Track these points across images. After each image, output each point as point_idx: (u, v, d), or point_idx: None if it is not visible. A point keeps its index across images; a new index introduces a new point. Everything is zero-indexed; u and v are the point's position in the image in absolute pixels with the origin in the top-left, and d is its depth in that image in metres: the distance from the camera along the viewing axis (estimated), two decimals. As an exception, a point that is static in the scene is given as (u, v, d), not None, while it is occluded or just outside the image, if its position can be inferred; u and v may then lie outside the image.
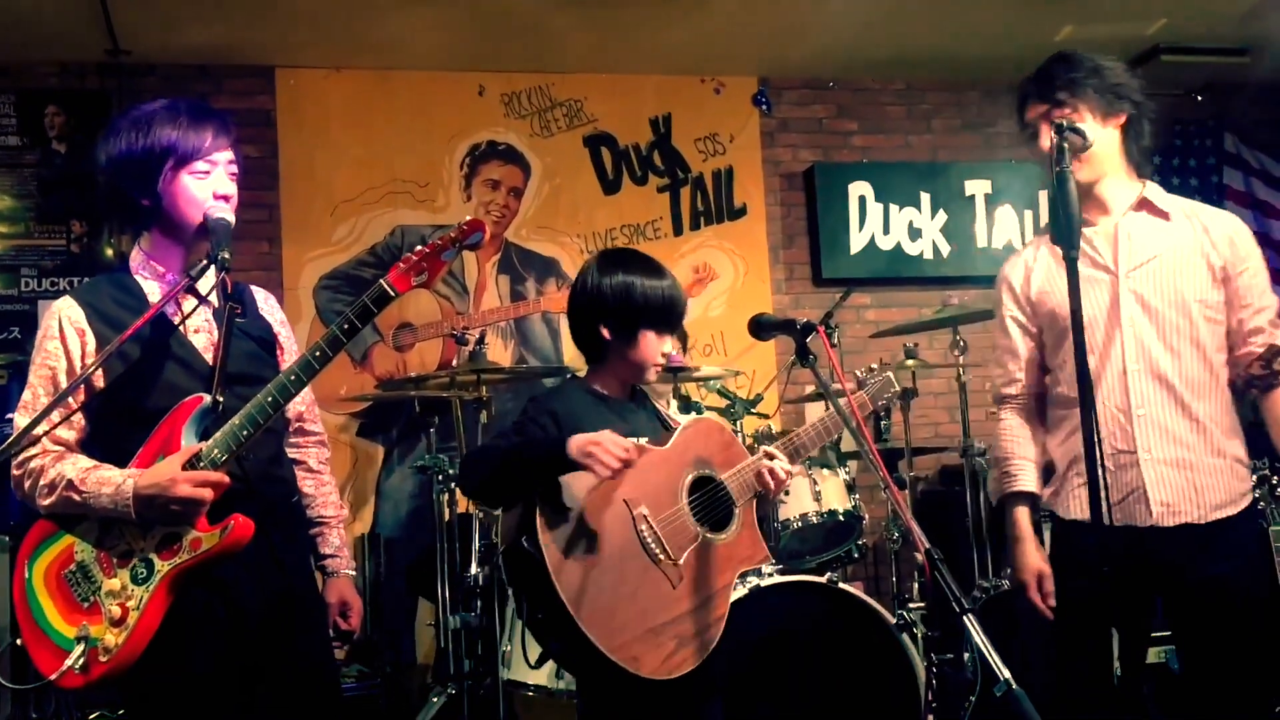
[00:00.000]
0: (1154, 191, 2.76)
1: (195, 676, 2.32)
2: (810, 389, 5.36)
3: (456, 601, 4.45)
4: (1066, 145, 2.47)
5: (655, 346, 2.70)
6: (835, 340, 4.78)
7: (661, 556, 2.55)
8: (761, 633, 3.78)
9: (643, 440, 2.60)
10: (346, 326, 2.36)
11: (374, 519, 5.65)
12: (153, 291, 2.46)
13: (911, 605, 4.31)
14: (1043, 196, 6.39)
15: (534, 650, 3.88)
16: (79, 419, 2.39)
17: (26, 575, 2.37)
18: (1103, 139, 2.68)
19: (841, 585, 3.87)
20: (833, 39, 5.84)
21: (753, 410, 4.42)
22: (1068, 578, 2.68)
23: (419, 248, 2.43)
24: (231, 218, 2.46)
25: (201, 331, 2.47)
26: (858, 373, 2.95)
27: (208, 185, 2.45)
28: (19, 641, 2.38)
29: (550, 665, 3.88)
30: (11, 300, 5.43)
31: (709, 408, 4.75)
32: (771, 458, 2.69)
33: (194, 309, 2.43)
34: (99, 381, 2.37)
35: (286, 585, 2.46)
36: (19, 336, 5.30)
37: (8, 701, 3.94)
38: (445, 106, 5.92)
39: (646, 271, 2.71)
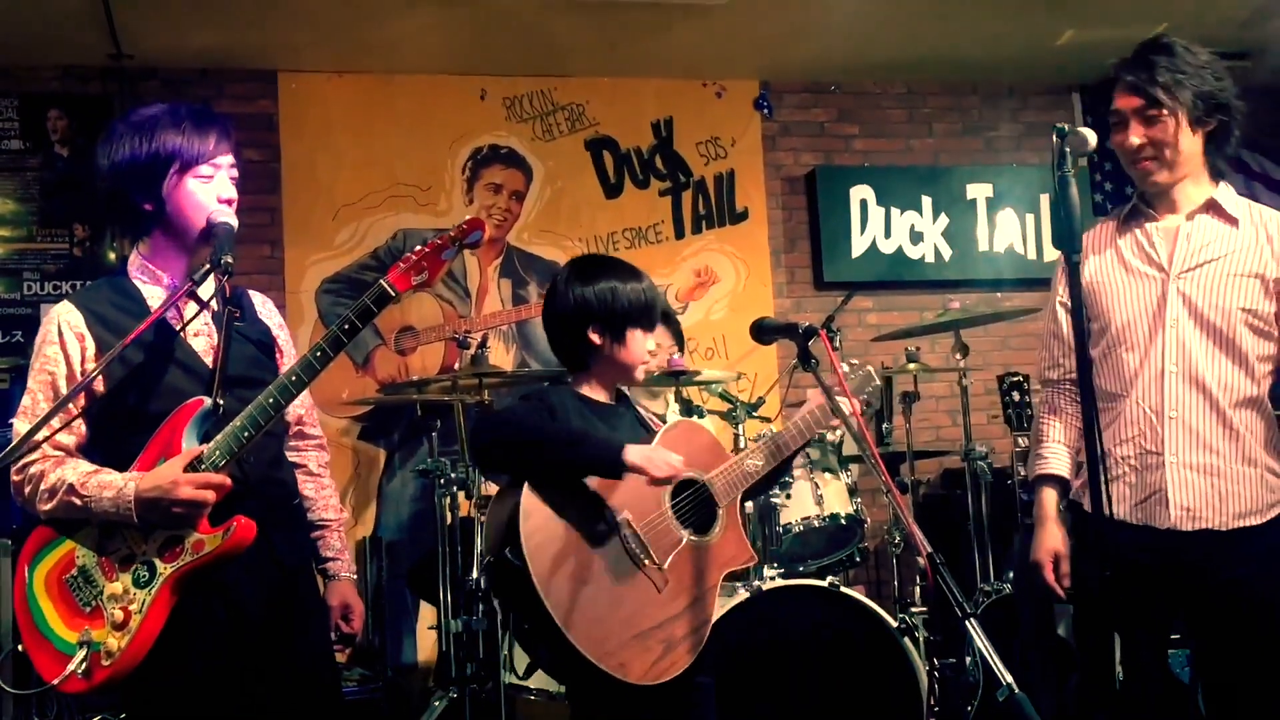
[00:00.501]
0: (1224, 194, 2.73)
1: (196, 679, 2.32)
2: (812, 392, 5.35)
3: (458, 605, 4.45)
4: (1068, 149, 2.47)
5: (642, 344, 2.74)
6: (837, 344, 4.78)
7: (646, 561, 2.55)
8: (763, 637, 3.78)
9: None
10: (347, 327, 2.36)
11: (376, 522, 5.65)
12: (152, 296, 2.46)
13: (913, 609, 4.31)
14: (1045, 200, 6.39)
15: (535, 654, 3.88)
16: (79, 424, 2.38)
17: (27, 580, 2.36)
18: (1189, 144, 2.67)
19: (843, 589, 3.87)
20: (834, 43, 5.84)
21: (754, 414, 4.42)
22: (1088, 571, 2.67)
23: (418, 247, 2.44)
24: (235, 222, 2.46)
25: (201, 335, 2.47)
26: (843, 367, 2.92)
27: (211, 190, 2.45)
28: (20, 647, 2.38)
29: (552, 669, 3.88)
30: (14, 304, 5.44)
31: (711, 411, 4.75)
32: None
33: (195, 314, 2.43)
34: (99, 386, 2.37)
35: (288, 587, 2.46)
36: (21, 340, 5.31)
37: (9, 706, 3.94)
38: (447, 110, 5.93)
39: (624, 274, 2.77)
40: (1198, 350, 2.63)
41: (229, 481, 2.28)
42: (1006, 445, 4.84)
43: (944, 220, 6.33)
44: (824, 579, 3.90)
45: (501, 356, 5.77)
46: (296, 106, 5.77)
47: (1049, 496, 2.78)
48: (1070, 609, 3.35)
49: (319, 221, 5.73)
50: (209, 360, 2.43)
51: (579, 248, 5.94)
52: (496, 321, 5.87)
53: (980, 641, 2.05)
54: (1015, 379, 4.81)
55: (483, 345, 4.72)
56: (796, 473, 4.11)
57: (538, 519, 2.48)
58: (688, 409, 4.56)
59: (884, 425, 5.63)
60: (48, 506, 2.33)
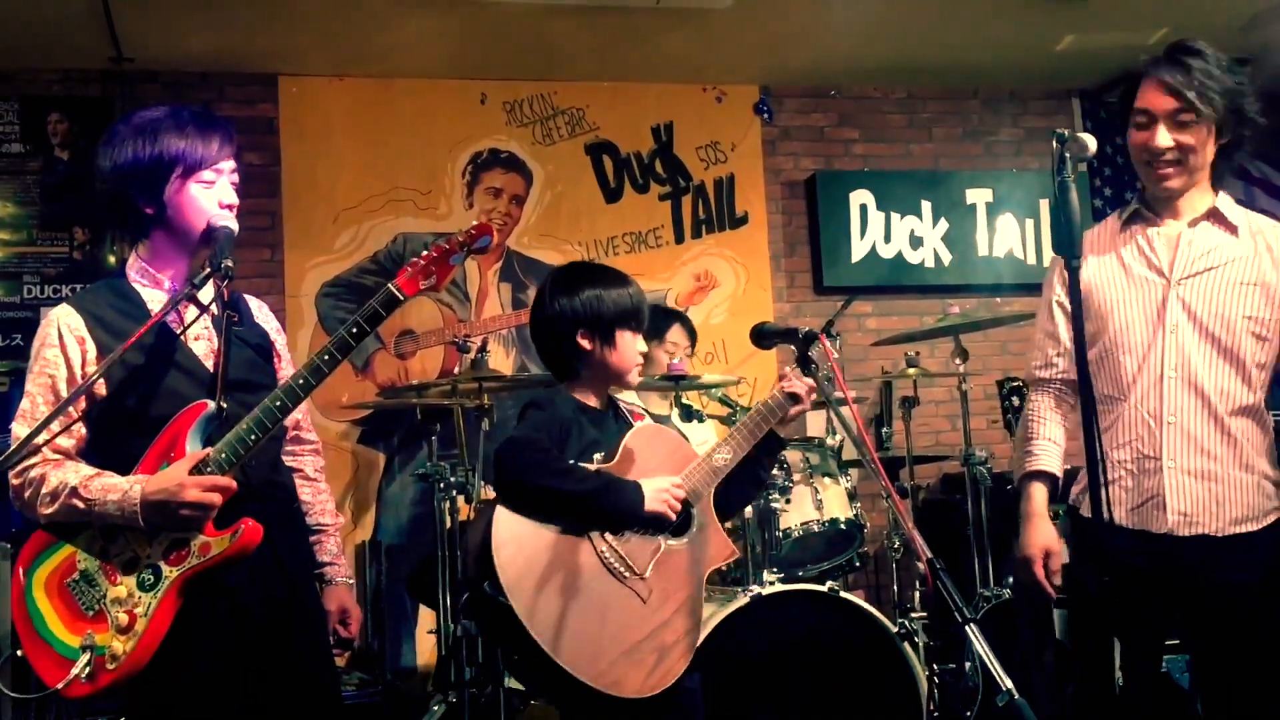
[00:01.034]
0: (1225, 203, 2.74)
1: (199, 681, 2.31)
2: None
3: (457, 609, 4.45)
4: (1068, 154, 2.47)
5: (633, 347, 2.76)
6: (837, 349, 4.78)
7: (627, 574, 2.55)
8: (763, 642, 3.78)
9: (597, 457, 2.65)
10: (355, 330, 2.36)
11: (375, 526, 5.64)
12: (151, 299, 2.46)
13: (913, 614, 4.31)
14: (1044, 205, 6.39)
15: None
16: (79, 427, 2.38)
17: (25, 585, 2.35)
18: (1209, 153, 2.67)
19: (843, 594, 3.87)
20: (834, 48, 5.85)
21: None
22: (1088, 575, 2.67)
23: (426, 251, 2.44)
24: (235, 226, 2.46)
25: (201, 339, 2.47)
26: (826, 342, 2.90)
27: (213, 195, 2.45)
28: (20, 653, 2.36)
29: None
30: (14, 307, 5.44)
31: (710, 415, 4.75)
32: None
33: (196, 318, 2.43)
34: (100, 389, 2.36)
35: (289, 590, 2.46)
36: (21, 343, 5.31)
37: (7, 711, 3.94)
38: (447, 114, 5.93)
39: (609, 280, 2.80)
40: (1197, 356, 2.63)
41: (235, 484, 2.28)
42: (1006, 450, 4.83)
43: (944, 225, 6.33)
44: (823, 584, 3.90)
45: (501, 360, 5.77)
46: (297, 110, 5.77)
47: (1040, 492, 2.77)
48: (1065, 613, 3.34)
49: (319, 225, 5.73)
50: (209, 364, 2.43)
51: (579, 252, 5.95)
52: (496, 325, 5.87)
53: (980, 646, 2.04)
54: (1015, 384, 4.81)
55: (482, 349, 4.71)
56: (796, 477, 4.11)
57: (512, 547, 2.49)
58: (688, 413, 4.56)
59: (884, 430, 5.64)
60: (49, 510, 2.32)
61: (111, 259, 5.47)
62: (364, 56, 5.64)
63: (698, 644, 2.59)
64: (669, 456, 2.72)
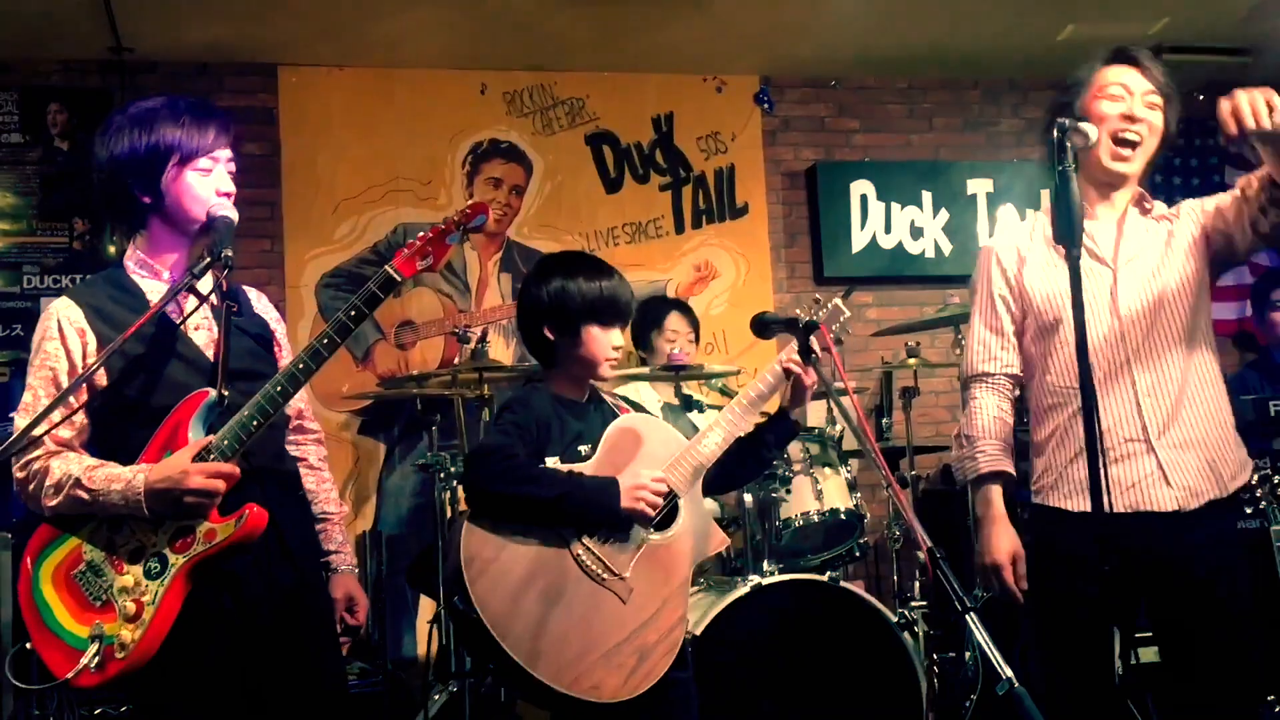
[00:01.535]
0: (1143, 192, 2.83)
1: (205, 670, 2.32)
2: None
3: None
4: (1069, 144, 2.47)
5: (603, 341, 2.72)
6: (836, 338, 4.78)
7: (605, 575, 2.54)
8: (763, 631, 3.79)
9: (583, 449, 2.64)
10: (353, 313, 2.38)
11: (376, 517, 5.65)
12: (150, 290, 2.46)
13: (913, 604, 4.32)
14: (1045, 195, 6.39)
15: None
16: (80, 418, 2.38)
17: (33, 577, 2.36)
18: (1154, 144, 2.75)
19: (843, 584, 3.87)
20: (834, 38, 5.84)
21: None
22: (1058, 572, 2.66)
23: (423, 233, 2.45)
24: (234, 215, 2.46)
25: (201, 329, 2.48)
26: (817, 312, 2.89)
27: (210, 183, 2.46)
28: (28, 645, 2.37)
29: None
30: (14, 298, 5.43)
31: (710, 406, 4.75)
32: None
33: (196, 308, 2.43)
34: (101, 380, 2.37)
35: (296, 577, 2.47)
36: (21, 334, 5.31)
37: (10, 700, 3.94)
38: (447, 104, 5.92)
39: (583, 270, 2.76)
40: (1156, 334, 2.68)
41: (238, 471, 2.29)
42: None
43: (944, 215, 6.33)
44: (823, 574, 3.91)
45: (501, 351, 5.77)
46: (296, 100, 5.76)
47: (998, 494, 2.77)
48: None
49: (319, 216, 5.73)
50: (210, 354, 2.44)
51: (579, 242, 5.94)
52: (496, 316, 5.87)
53: (980, 635, 2.05)
54: (1015, 374, 4.78)
55: (482, 340, 4.71)
56: (796, 467, 4.12)
57: (483, 559, 2.48)
58: (687, 404, 4.56)
59: (884, 420, 5.64)
60: (54, 502, 2.33)
61: (111, 249, 5.46)
62: (364, 47, 5.63)
63: (680, 642, 2.57)
64: (654, 449, 2.70)
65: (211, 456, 2.29)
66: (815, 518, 4.10)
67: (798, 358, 2.75)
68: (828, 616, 3.83)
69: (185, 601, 2.26)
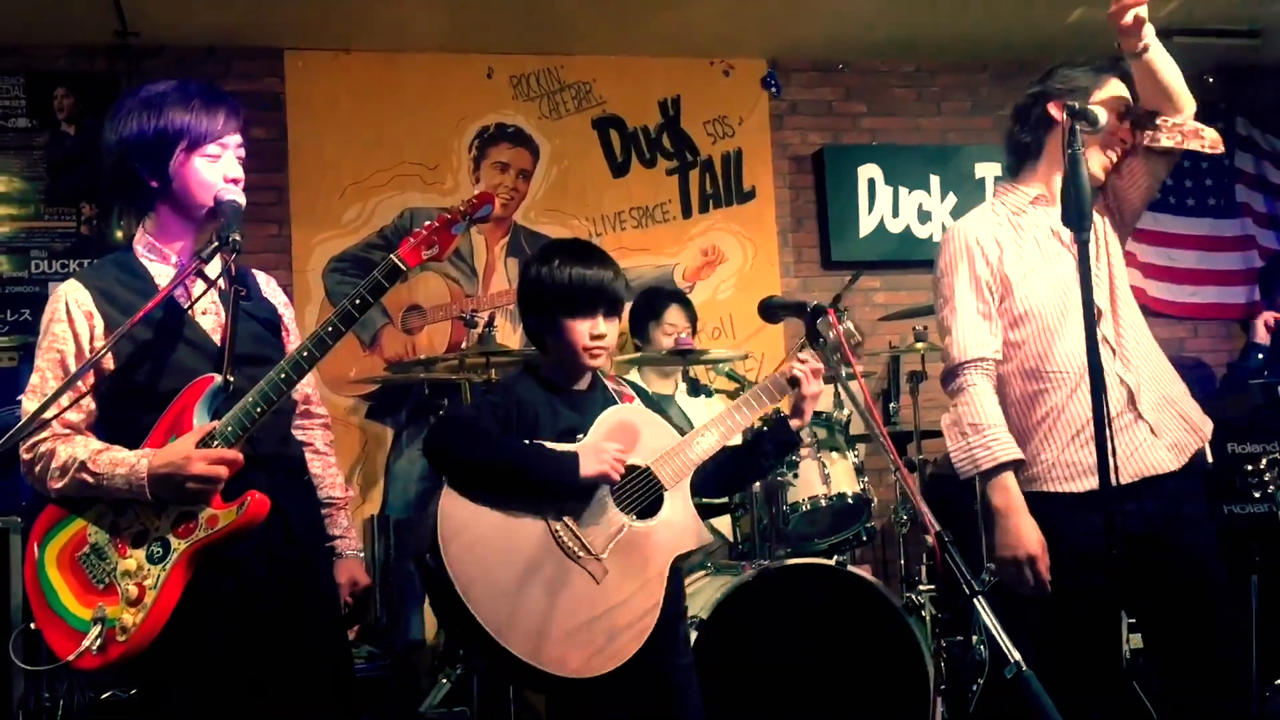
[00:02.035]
0: None
1: (207, 655, 2.33)
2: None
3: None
4: (1078, 127, 2.46)
5: (578, 331, 2.67)
6: (844, 323, 4.77)
7: (581, 553, 2.53)
8: (770, 615, 3.80)
9: (579, 437, 2.62)
10: (359, 301, 2.38)
11: (383, 501, 5.66)
12: (159, 274, 2.46)
13: (920, 587, 4.32)
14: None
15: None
16: (87, 402, 2.39)
17: (38, 559, 2.37)
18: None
19: (850, 568, 3.88)
20: (842, 21, 5.82)
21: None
22: (1065, 558, 2.67)
23: (428, 222, 2.45)
24: (243, 200, 2.46)
25: (209, 313, 2.48)
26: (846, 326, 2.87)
27: (218, 169, 2.46)
28: (32, 625, 2.38)
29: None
30: (21, 282, 5.44)
31: (718, 390, 4.75)
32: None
33: (204, 292, 2.43)
34: (108, 364, 2.37)
35: (300, 562, 2.47)
36: (29, 318, 5.31)
37: (20, 683, 3.96)
38: (454, 89, 5.91)
39: (560, 257, 2.70)
40: (1121, 310, 2.78)
41: (241, 457, 2.29)
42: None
43: (952, 199, 6.31)
44: (831, 558, 3.91)
45: (508, 335, 5.76)
46: (303, 85, 5.75)
47: (1015, 482, 2.75)
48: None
49: (325, 200, 5.72)
50: (217, 338, 2.44)
51: (586, 227, 5.93)
52: (503, 300, 5.87)
53: (988, 619, 2.05)
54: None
55: (489, 324, 4.71)
56: (803, 452, 4.12)
57: (458, 520, 2.48)
58: (695, 388, 4.56)
59: (891, 405, 5.63)
60: (59, 485, 2.33)
61: (119, 234, 5.47)
62: (370, 31, 5.62)
63: (652, 628, 2.56)
64: (646, 441, 2.69)
65: (215, 442, 2.29)
66: (823, 502, 4.11)
67: (804, 368, 2.74)
68: (835, 601, 3.84)
69: (188, 586, 2.27)
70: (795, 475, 4.07)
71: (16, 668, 3.74)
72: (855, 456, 4.25)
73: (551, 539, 2.53)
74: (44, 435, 2.35)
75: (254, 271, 2.71)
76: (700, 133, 6.16)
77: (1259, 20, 5.83)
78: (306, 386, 2.70)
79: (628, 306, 3.88)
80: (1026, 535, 2.69)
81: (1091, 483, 2.60)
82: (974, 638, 4.19)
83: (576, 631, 2.48)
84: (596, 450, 2.55)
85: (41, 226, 5.49)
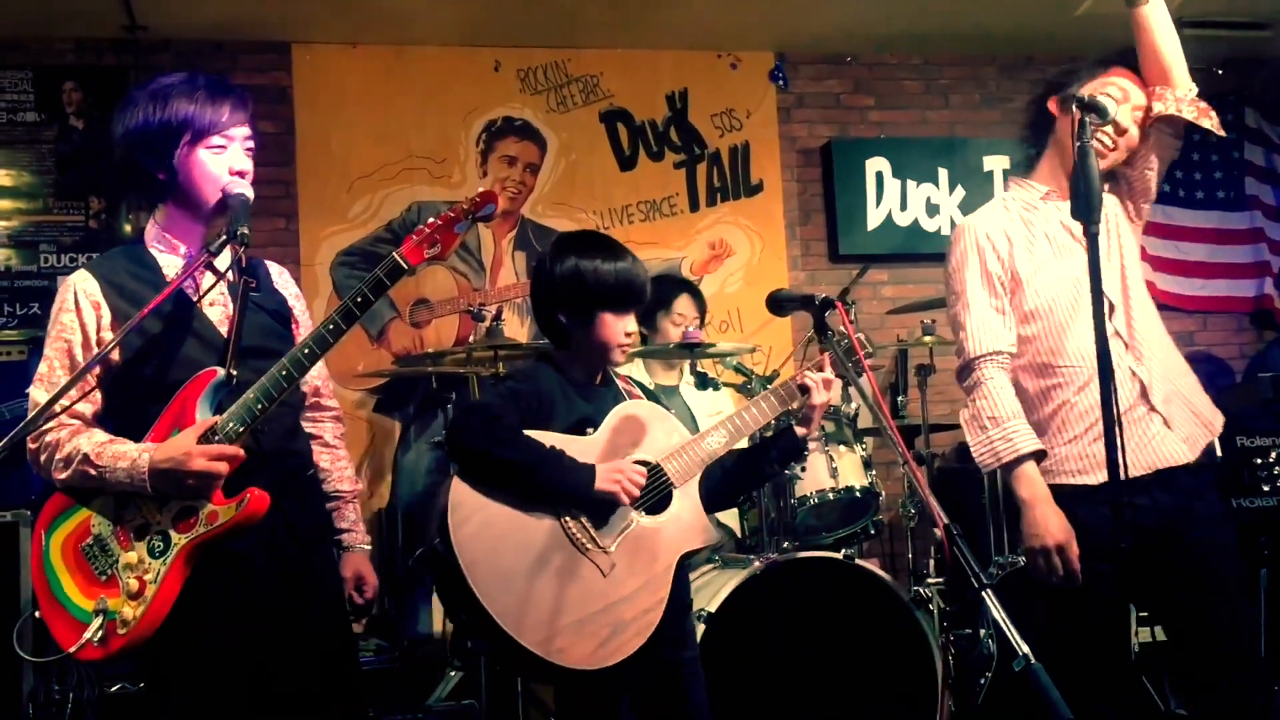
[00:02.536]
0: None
1: (211, 651, 2.34)
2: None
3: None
4: (1087, 119, 2.46)
5: (615, 327, 2.69)
6: (853, 316, 4.77)
7: (589, 545, 2.53)
8: (778, 609, 3.79)
9: (589, 431, 2.63)
10: (360, 299, 2.38)
11: (391, 494, 5.66)
12: (169, 265, 2.47)
13: (928, 581, 4.31)
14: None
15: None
16: (95, 394, 2.40)
17: (44, 547, 2.38)
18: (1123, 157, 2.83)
19: (858, 561, 3.87)
20: (849, 14, 5.80)
21: (769, 387, 4.41)
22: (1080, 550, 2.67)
23: (431, 220, 2.44)
24: (250, 193, 2.46)
25: (217, 305, 2.48)
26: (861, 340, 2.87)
27: (224, 161, 2.45)
28: (37, 614, 2.40)
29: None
30: (30, 276, 5.45)
31: (725, 384, 4.75)
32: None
33: (212, 285, 2.44)
34: (115, 355, 2.38)
35: (301, 558, 2.47)
36: (38, 312, 5.32)
37: (29, 675, 3.97)
38: (461, 82, 5.91)
39: (599, 253, 2.71)
40: (1134, 303, 2.77)
41: (242, 453, 2.29)
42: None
43: (960, 192, 6.30)
44: (839, 551, 3.91)
45: (516, 329, 5.77)
46: (310, 78, 5.75)
47: (1038, 473, 2.75)
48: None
49: (333, 194, 5.73)
50: (224, 331, 2.44)
51: (593, 220, 5.93)
52: (511, 294, 5.87)
53: (997, 612, 2.05)
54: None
55: (497, 318, 4.71)
56: (811, 445, 4.11)
57: (468, 508, 2.48)
58: (703, 381, 4.56)
59: (899, 398, 5.63)
60: (63, 475, 2.35)
61: (127, 227, 5.48)
62: (377, 24, 5.62)
63: (657, 623, 2.56)
64: (657, 437, 2.69)
65: (216, 438, 2.29)
66: (830, 495, 4.10)
67: (815, 377, 2.74)
68: (843, 594, 3.83)
69: (191, 580, 2.28)
70: (803, 469, 4.06)
71: (26, 665, 3.75)
72: (863, 450, 4.24)
73: (561, 530, 2.53)
74: (50, 425, 2.36)
75: (266, 263, 2.70)
76: (708, 126, 6.15)
77: (1268, 13, 5.80)
78: (316, 379, 2.70)
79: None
80: (1053, 524, 2.68)
81: (1103, 476, 2.60)
82: (982, 631, 4.18)
83: (582, 623, 2.48)
84: (615, 469, 2.56)
85: (50, 220, 5.50)
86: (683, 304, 4.82)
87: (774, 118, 6.24)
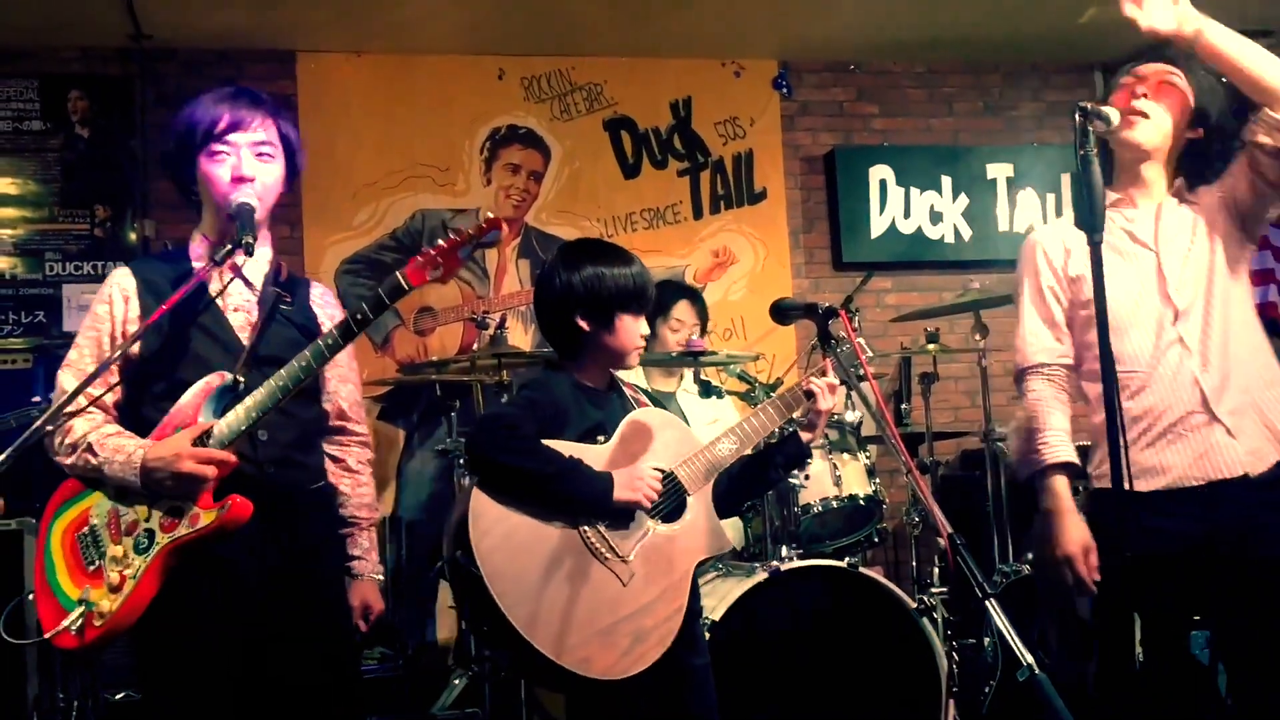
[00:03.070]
0: (1181, 185, 2.80)
1: (191, 652, 2.35)
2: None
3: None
4: (1090, 128, 2.45)
5: (634, 330, 2.70)
6: (856, 324, 4.76)
7: (608, 555, 2.53)
8: (781, 617, 3.79)
9: (600, 439, 2.63)
10: (359, 317, 2.40)
11: (395, 502, 5.67)
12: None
13: (932, 590, 4.31)
14: (1065, 179, 6.37)
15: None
16: (118, 386, 2.45)
17: (48, 530, 2.42)
18: (1175, 129, 2.73)
19: (861, 570, 3.87)
20: (853, 22, 5.81)
21: (772, 394, 4.41)
22: (1108, 556, 2.66)
23: (438, 242, 2.45)
24: (253, 201, 2.48)
25: (241, 311, 2.52)
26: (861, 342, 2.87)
27: (225, 168, 2.49)
28: (30, 596, 2.43)
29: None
30: (36, 284, 5.46)
31: (729, 392, 4.75)
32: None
33: (228, 282, 2.49)
34: (134, 350, 2.43)
35: (293, 567, 2.46)
36: (43, 320, 5.34)
37: (35, 683, 3.98)
38: (465, 90, 5.92)
39: (613, 259, 2.73)
40: (1214, 310, 2.68)
41: (233, 459, 2.31)
42: (1026, 426, 4.82)
43: (964, 200, 6.30)
44: (842, 560, 3.90)
45: (520, 337, 5.78)
46: (315, 87, 5.77)
47: (1065, 485, 2.73)
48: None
49: (338, 202, 5.74)
50: (244, 337, 2.47)
51: (597, 228, 5.94)
52: (515, 302, 5.88)
53: (1000, 622, 2.04)
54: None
55: (501, 326, 4.71)
56: (815, 453, 4.11)
57: (489, 519, 2.47)
58: (706, 389, 4.56)
59: (903, 406, 5.63)
60: (68, 460, 2.40)
61: (132, 236, 5.50)
62: (382, 33, 5.63)
63: (676, 631, 2.56)
64: (668, 444, 2.69)
65: (210, 442, 2.32)
66: (834, 503, 4.10)
67: (821, 383, 2.75)
68: (846, 602, 3.83)
69: (174, 581, 2.30)
70: (807, 477, 4.06)
71: (31, 671, 3.76)
72: (867, 458, 4.24)
73: (580, 540, 2.53)
74: (72, 412, 2.39)
75: (312, 282, 2.76)
76: (711, 134, 6.16)
77: (1272, 19, 5.80)
78: (343, 400, 2.71)
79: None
80: (1067, 536, 2.68)
81: (1156, 482, 2.62)
82: (986, 640, 4.18)
83: (603, 633, 2.48)
84: (633, 476, 2.55)
85: (55, 229, 5.51)
86: (681, 310, 4.82)
87: (777, 125, 6.25)
